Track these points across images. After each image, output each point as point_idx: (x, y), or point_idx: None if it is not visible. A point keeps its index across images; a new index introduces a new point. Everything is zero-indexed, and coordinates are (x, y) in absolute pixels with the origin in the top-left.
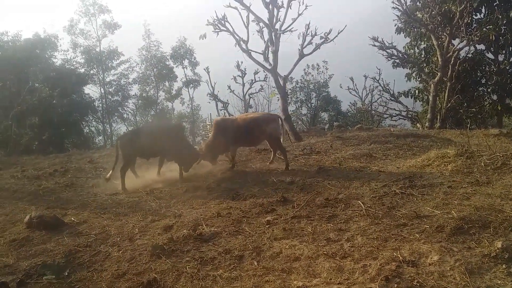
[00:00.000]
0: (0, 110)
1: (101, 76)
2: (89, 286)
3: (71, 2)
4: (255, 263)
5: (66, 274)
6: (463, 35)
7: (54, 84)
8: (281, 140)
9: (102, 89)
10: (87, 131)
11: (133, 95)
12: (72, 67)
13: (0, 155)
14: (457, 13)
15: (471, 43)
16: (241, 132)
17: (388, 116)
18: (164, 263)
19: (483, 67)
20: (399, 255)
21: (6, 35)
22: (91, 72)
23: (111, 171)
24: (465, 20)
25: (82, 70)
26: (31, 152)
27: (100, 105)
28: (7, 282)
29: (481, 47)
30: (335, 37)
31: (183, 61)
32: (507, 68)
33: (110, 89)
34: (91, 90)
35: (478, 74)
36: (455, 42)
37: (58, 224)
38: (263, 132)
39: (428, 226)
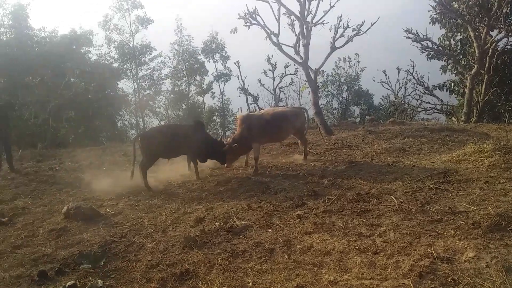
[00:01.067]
0: (38, 104)
1: (134, 70)
2: (124, 275)
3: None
4: (286, 257)
5: (102, 263)
6: (501, 26)
7: (90, 79)
8: (306, 132)
9: (135, 83)
10: (121, 124)
11: (165, 90)
12: (106, 62)
13: (39, 148)
14: (496, 3)
15: (510, 34)
16: (269, 127)
17: (422, 109)
18: (196, 254)
19: None
20: (433, 251)
21: (43, 31)
22: (125, 67)
23: (132, 168)
24: (504, 10)
25: (116, 65)
26: (67, 145)
27: (133, 99)
28: (45, 270)
29: None
30: (367, 29)
31: (214, 56)
32: None
33: (143, 84)
34: (125, 85)
35: None
36: (493, 33)
37: (94, 215)
38: (293, 126)
39: (463, 222)
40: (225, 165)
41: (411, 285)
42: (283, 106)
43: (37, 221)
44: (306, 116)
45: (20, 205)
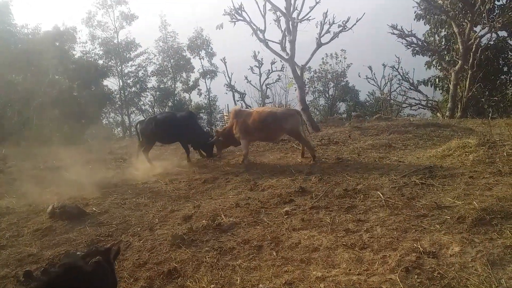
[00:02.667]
0: (22, 102)
1: (119, 67)
2: None
3: None
4: (274, 253)
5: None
6: (485, 21)
7: (74, 76)
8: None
9: (120, 80)
10: (106, 122)
11: (151, 87)
12: (91, 59)
13: (23, 147)
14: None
15: (493, 30)
16: (257, 126)
17: (407, 105)
18: (184, 252)
19: (506, 55)
20: (419, 246)
21: (26, 28)
22: (110, 63)
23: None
24: (487, 6)
25: (101, 62)
26: (52, 143)
27: (118, 96)
28: (31, 270)
29: (504, 33)
30: (353, 25)
31: (200, 52)
32: None
33: (128, 81)
34: (110, 82)
35: (501, 61)
36: (477, 29)
37: (80, 214)
38: (281, 129)
39: (449, 217)
40: (215, 155)
41: (398, 280)
42: (278, 107)
43: (22, 221)
44: (299, 118)
45: (4, 204)
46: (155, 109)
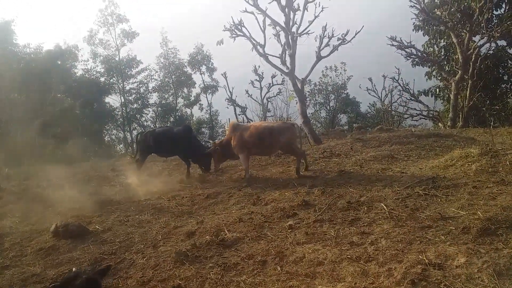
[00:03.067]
0: (24, 121)
1: (121, 84)
2: None
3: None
4: (279, 268)
5: None
6: (483, 31)
7: (76, 94)
8: (300, 145)
9: (122, 97)
10: (108, 139)
11: (152, 103)
12: (92, 76)
13: (25, 165)
14: (477, 9)
15: (492, 39)
16: (254, 141)
17: (408, 116)
18: (188, 269)
19: (505, 64)
20: (424, 258)
21: (28, 47)
22: (111, 81)
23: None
24: (485, 16)
25: (103, 80)
26: (55, 161)
27: (120, 113)
28: None
29: (503, 43)
30: (352, 38)
31: (201, 67)
32: None
33: (130, 97)
34: (112, 99)
35: (500, 70)
36: (476, 39)
37: (83, 232)
38: (278, 142)
39: (453, 228)
40: (211, 169)
41: None
42: (275, 121)
43: (25, 240)
44: (295, 131)
45: (7, 224)
46: (157, 125)
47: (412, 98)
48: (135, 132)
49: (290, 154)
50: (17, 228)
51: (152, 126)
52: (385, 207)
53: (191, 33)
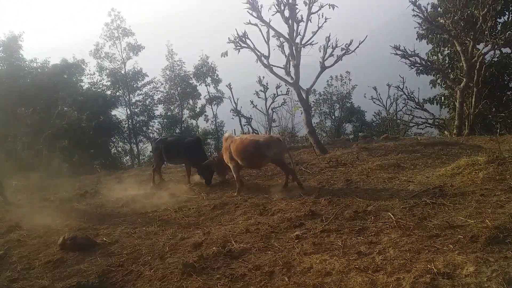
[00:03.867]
0: (31, 134)
1: (127, 97)
2: None
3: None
4: (286, 279)
5: None
6: (487, 39)
7: (82, 108)
8: (292, 162)
9: (128, 110)
10: (115, 151)
11: (158, 115)
12: (98, 90)
13: (33, 179)
14: (480, 17)
15: (496, 47)
16: (239, 154)
17: (414, 124)
18: (195, 281)
19: (510, 71)
20: (433, 267)
21: (35, 62)
22: (117, 94)
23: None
24: (489, 24)
25: (109, 93)
26: (62, 174)
27: (126, 125)
28: None
29: (507, 50)
30: (356, 48)
31: (206, 79)
32: None
33: (136, 110)
34: (118, 112)
35: (505, 78)
36: (480, 46)
37: (91, 244)
38: (263, 157)
39: (462, 236)
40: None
41: None
42: (264, 134)
43: (33, 253)
44: (282, 145)
45: (15, 237)
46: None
47: (418, 107)
48: (141, 144)
49: (279, 167)
50: (25, 241)
51: (158, 138)
52: (392, 216)
53: (195, 44)
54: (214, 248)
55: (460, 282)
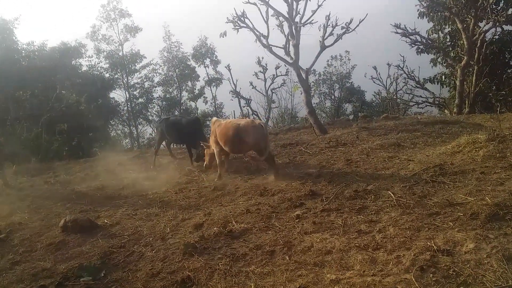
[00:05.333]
0: (30, 118)
1: (125, 80)
2: (125, 286)
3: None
4: (287, 258)
5: (102, 275)
6: (488, 16)
7: (81, 90)
8: (266, 149)
9: (127, 92)
10: (114, 134)
11: (157, 97)
12: (97, 72)
13: (33, 162)
14: None
15: (497, 24)
16: (221, 138)
17: (414, 103)
18: (196, 261)
19: (511, 48)
20: (433, 245)
21: (32, 45)
22: (116, 76)
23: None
24: (491, 1)
25: (107, 75)
26: (61, 157)
27: (125, 108)
28: (46, 285)
29: (509, 27)
30: (356, 27)
31: (205, 60)
32: None
33: (135, 92)
34: (116, 94)
35: (506, 55)
36: (481, 24)
37: (92, 226)
38: (243, 142)
39: (461, 214)
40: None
41: (413, 279)
42: (247, 118)
43: (34, 236)
44: (263, 132)
45: (16, 220)
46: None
47: (418, 86)
48: (140, 127)
49: (259, 155)
50: (26, 224)
51: (157, 120)
52: (392, 195)
53: (194, 25)
54: (215, 228)
55: (460, 258)
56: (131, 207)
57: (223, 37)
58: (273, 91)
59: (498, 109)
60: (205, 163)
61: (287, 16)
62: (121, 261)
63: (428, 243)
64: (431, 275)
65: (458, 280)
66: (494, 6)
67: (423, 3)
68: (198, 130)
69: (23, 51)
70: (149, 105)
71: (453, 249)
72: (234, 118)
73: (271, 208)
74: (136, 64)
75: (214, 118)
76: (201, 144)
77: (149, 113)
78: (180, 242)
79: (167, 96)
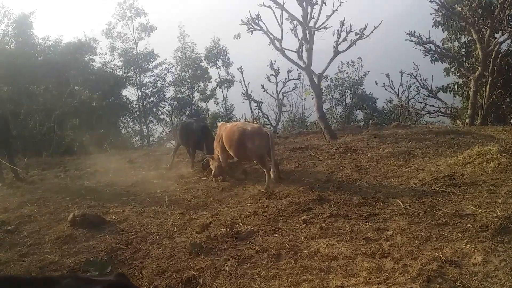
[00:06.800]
0: (43, 112)
1: (138, 78)
2: None
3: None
4: (293, 262)
5: (109, 270)
6: (504, 27)
7: (94, 87)
8: (272, 157)
9: (139, 91)
10: (125, 132)
11: (169, 97)
12: (110, 70)
13: (44, 156)
14: (498, 5)
15: None
16: (226, 142)
17: (426, 112)
18: (202, 260)
19: None
20: (441, 255)
21: (47, 40)
22: (129, 74)
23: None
24: (507, 12)
25: (120, 73)
26: (72, 152)
27: (137, 106)
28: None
29: None
30: (370, 33)
31: (217, 62)
32: None
33: (147, 91)
34: (129, 92)
35: None
36: (497, 35)
37: (100, 222)
38: (245, 147)
39: (471, 226)
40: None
41: None
42: (257, 122)
43: (43, 229)
44: (267, 140)
45: (26, 213)
46: (173, 119)
47: (430, 95)
48: (151, 125)
49: (258, 164)
50: (35, 217)
51: (168, 120)
52: (401, 203)
53: (209, 26)
54: (222, 229)
55: (468, 270)
56: (139, 205)
57: (237, 39)
58: (284, 94)
59: (511, 121)
60: (213, 171)
61: (301, 20)
62: (127, 257)
63: (436, 254)
64: (437, 285)
65: None
66: (510, 18)
67: (439, 12)
68: (203, 136)
69: (39, 46)
70: (161, 104)
71: (461, 260)
72: (245, 120)
73: (278, 211)
74: (149, 63)
75: (221, 123)
76: (206, 157)
77: (160, 112)
78: (187, 242)
79: (179, 96)
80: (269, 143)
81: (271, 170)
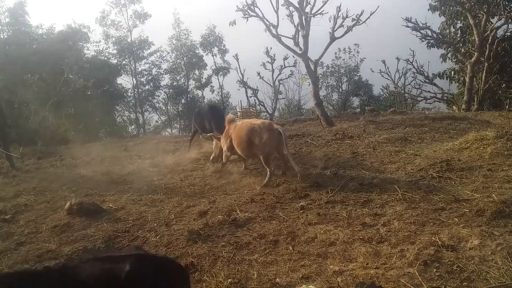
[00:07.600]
0: (38, 101)
1: (133, 66)
2: None
3: None
4: (290, 248)
5: None
6: (501, 12)
7: (88, 75)
8: (286, 151)
9: (134, 79)
10: (120, 120)
11: (164, 85)
12: (104, 58)
13: (39, 145)
14: None
15: (509, 20)
16: (235, 140)
17: (422, 99)
18: (200, 247)
19: None
20: (437, 240)
21: (40, 28)
22: (123, 62)
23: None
24: None
25: (115, 61)
26: (68, 141)
27: (132, 94)
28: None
29: None
30: (367, 19)
31: (213, 49)
32: None
33: (142, 79)
34: (124, 80)
35: None
36: (493, 20)
37: (97, 210)
38: (251, 142)
39: (467, 210)
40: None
41: (416, 273)
42: (266, 119)
43: (40, 217)
44: (277, 138)
45: (22, 202)
46: (168, 107)
47: (427, 81)
48: (146, 114)
49: (262, 161)
50: (32, 205)
51: (163, 108)
52: (398, 189)
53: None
54: (219, 216)
55: (464, 254)
56: (136, 193)
57: (232, 25)
58: (280, 82)
59: (507, 106)
60: (212, 155)
61: (297, 6)
62: (125, 245)
63: (433, 238)
64: (434, 269)
65: (461, 276)
66: (506, 3)
67: None
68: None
69: (32, 34)
70: (156, 92)
71: (457, 245)
72: (241, 107)
73: (275, 198)
74: (144, 50)
75: (231, 116)
76: (211, 135)
77: (155, 100)
78: (184, 229)
79: (174, 84)
80: (279, 141)
81: (296, 168)
